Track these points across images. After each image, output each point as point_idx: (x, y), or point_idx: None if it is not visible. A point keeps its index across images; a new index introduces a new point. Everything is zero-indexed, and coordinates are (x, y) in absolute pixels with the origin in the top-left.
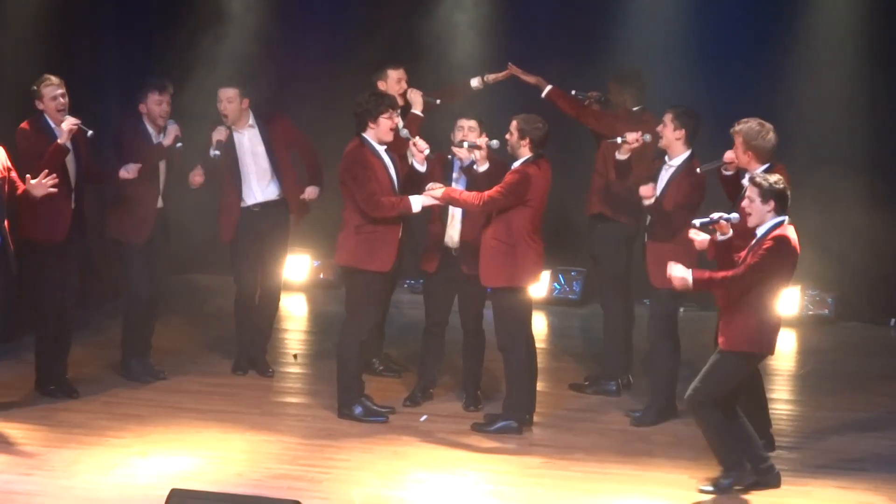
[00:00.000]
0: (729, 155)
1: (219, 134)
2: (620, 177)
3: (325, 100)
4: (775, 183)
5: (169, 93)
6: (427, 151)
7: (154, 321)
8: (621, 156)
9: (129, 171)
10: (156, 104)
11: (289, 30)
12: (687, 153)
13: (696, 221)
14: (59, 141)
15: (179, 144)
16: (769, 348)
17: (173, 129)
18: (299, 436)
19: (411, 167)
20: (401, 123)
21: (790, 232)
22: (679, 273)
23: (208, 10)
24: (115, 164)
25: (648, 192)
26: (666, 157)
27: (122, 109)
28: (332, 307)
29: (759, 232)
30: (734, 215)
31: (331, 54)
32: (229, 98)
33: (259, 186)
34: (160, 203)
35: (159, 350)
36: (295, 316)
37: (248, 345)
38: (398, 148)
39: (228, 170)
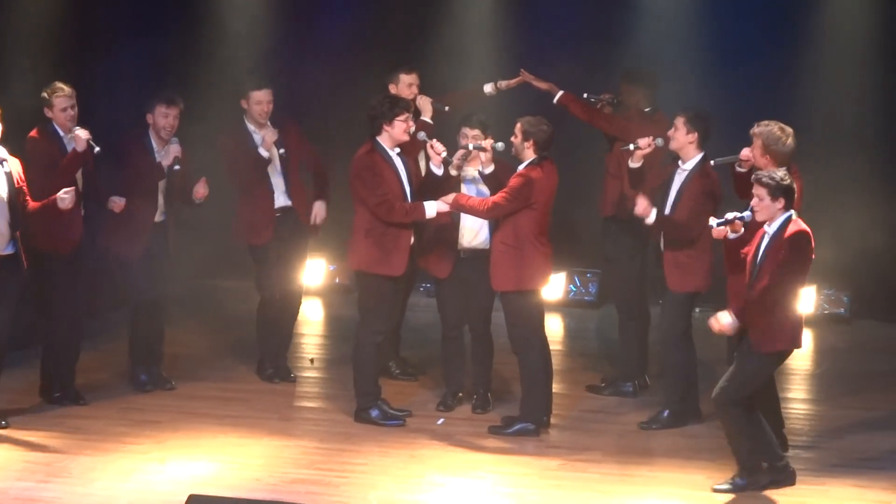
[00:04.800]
0: (745, 153)
1: (270, 134)
2: (634, 185)
3: (335, 103)
4: (782, 180)
5: (178, 107)
6: (444, 154)
7: (161, 330)
8: (634, 163)
9: (115, 204)
10: (162, 116)
11: (300, 32)
12: (699, 156)
13: (713, 222)
14: (77, 149)
15: (178, 167)
16: (798, 343)
17: (174, 150)
18: (317, 440)
19: (429, 171)
20: (413, 128)
21: (804, 225)
22: (726, 322)
23: (217, 14)
24: (113, 174)
25: (646, 211)
26: (679, 162)
27: (134, 118)
28: (348, 311)
29: (770, 229)
30: (747, 214)
31: (341, 57)
32: (270, 100)
33: (279, 191)
34: (160, 217)
35: (176, 355)
36: (311, 320)
37: (274, 351)
38: (412, 151)
39: (258, 171)
